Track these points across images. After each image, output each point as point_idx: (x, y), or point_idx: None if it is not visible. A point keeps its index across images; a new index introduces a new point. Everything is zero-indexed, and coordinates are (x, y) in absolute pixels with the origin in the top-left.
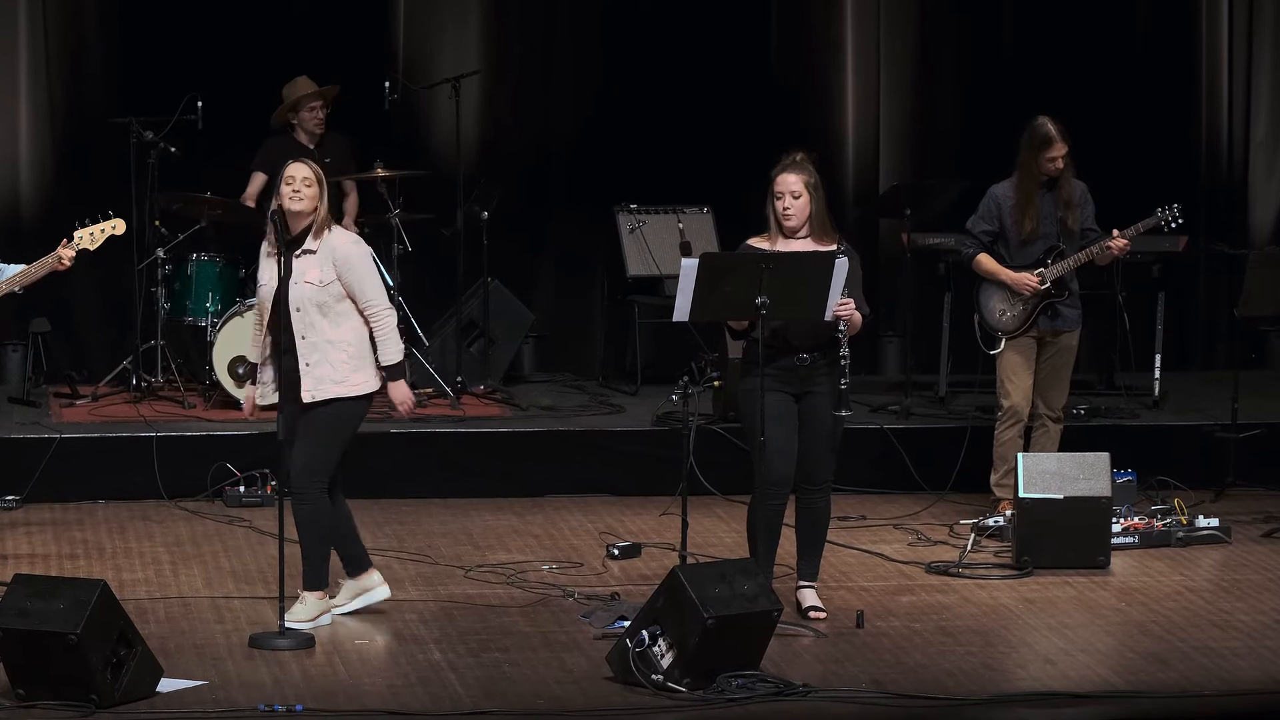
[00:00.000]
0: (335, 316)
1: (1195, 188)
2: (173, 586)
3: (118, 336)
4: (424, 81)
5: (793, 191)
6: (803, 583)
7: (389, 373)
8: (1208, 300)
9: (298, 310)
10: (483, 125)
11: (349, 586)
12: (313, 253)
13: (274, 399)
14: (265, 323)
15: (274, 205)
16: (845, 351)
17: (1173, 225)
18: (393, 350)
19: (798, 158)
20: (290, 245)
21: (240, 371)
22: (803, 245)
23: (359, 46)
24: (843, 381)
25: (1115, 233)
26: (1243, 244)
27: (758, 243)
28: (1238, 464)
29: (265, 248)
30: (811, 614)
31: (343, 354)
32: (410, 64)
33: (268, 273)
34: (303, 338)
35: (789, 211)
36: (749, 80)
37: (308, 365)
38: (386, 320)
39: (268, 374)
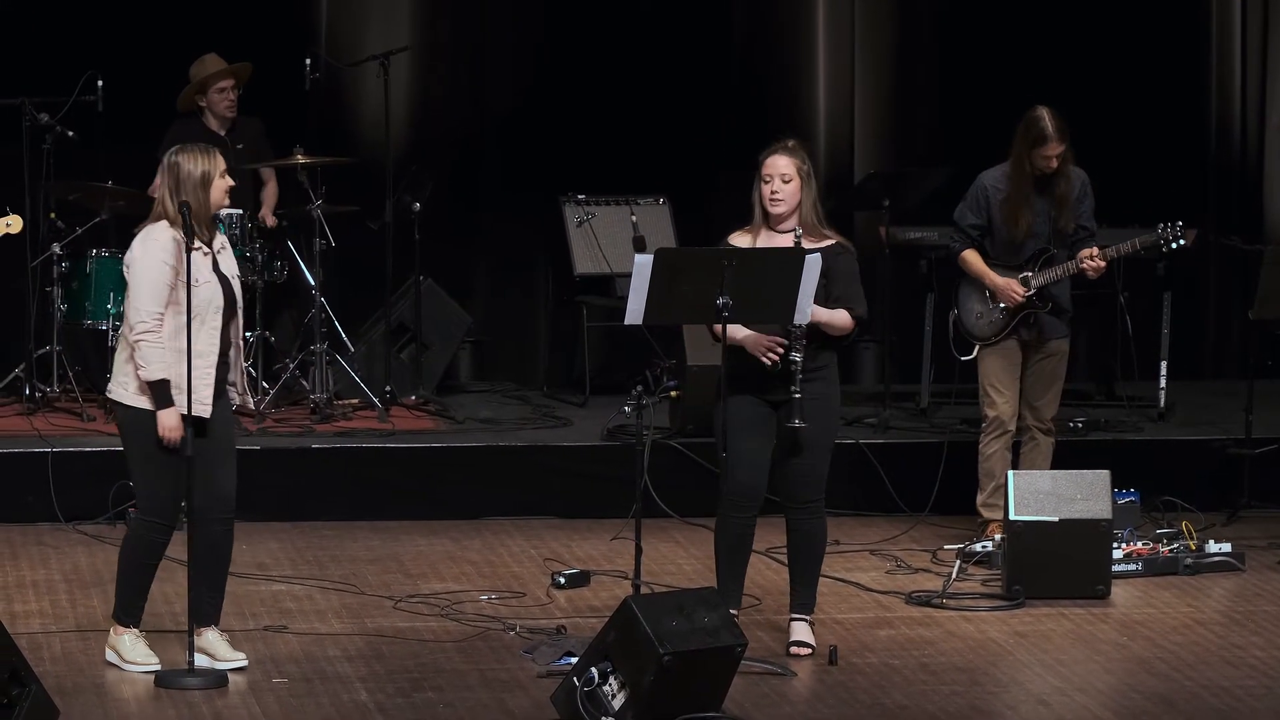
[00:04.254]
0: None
1: (1205, 176)
2: (70, 619)
3: (8, 341)
4: (349, 59)
5: (783, 175)
6: (794, 615)
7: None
8: (1218, 301)
9: (235, 314)
10: (414, 107)
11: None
12: (225, 249)
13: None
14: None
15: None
16: (796, 356)
17: (1173, 246)
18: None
19: (790, 144)
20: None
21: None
22: (789, 242)
23: (276, 20)
24: (793, 391)
25: (1095, 251)
26: (1258, 238)
27: (739, 238)
28: (1252, 483)
29: (180, 238)
30: (792, 649)
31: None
32: (333, 39)
33: (205, 270)
34: (232, 344)
35: (777, 196)
36: (709, 57)
37: (232, 377)
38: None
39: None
